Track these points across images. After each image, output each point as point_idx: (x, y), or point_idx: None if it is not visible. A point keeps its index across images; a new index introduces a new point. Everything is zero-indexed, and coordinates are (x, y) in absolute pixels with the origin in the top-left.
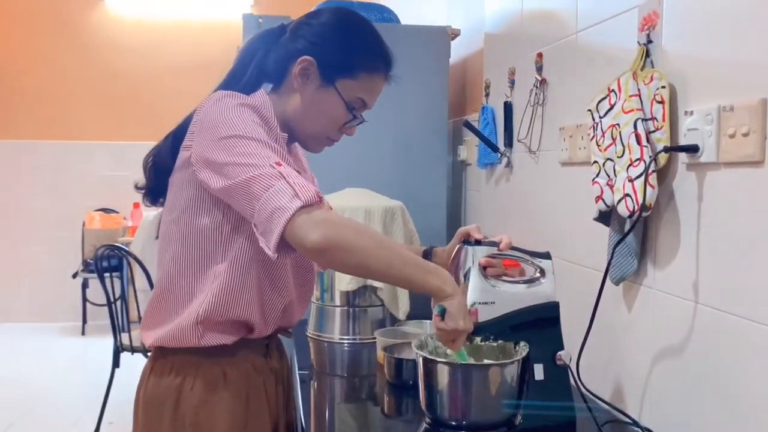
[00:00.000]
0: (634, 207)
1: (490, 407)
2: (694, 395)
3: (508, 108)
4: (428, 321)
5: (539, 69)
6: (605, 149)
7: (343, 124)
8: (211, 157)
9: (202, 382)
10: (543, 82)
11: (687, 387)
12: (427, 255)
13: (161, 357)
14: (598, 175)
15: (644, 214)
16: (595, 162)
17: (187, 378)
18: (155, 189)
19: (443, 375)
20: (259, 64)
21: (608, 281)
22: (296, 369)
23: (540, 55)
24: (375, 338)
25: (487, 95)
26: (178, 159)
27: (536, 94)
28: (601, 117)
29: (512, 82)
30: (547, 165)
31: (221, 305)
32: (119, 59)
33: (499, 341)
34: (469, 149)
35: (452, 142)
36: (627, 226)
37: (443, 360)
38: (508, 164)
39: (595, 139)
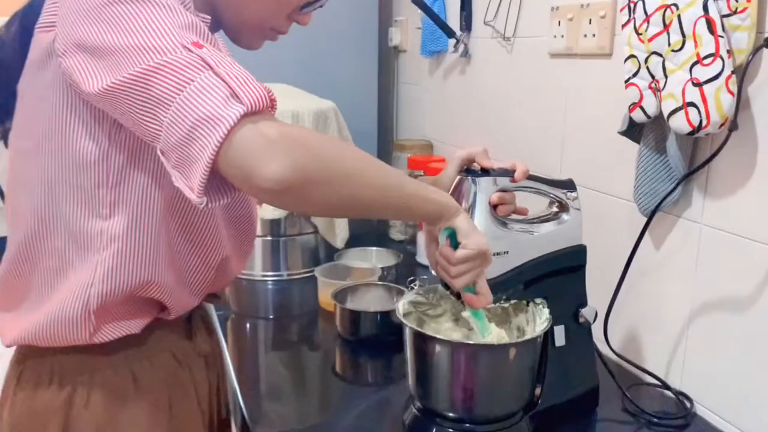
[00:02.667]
0: (701, 120)
1: (507, 395)
2: (747, 360)
3: None
4: (373, 249)
5: None
6: (650, 39)
7: (298, 6)
8: (84, 35)
9: (101, 394)
10: None
11: (737, 349)
12: None
13: (32, 359)
14: (636, 75)
15: (712, 131)
16: (632, 57)
17: (78, 389)
18: None
19: (447, 358)
20: None
21: (633, 210)
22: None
23: None
24: (307, 273)
25: None
26: (32, 49)
27: None
28: None
29: None
30: (528, 56)
31: (120, 283)
32: None
33: (512, 301)
34: (404, 32)
35: (380, 23)
36: (675, 145)
37: (448, 338)
38: (466, 53)
39: (632, 25)
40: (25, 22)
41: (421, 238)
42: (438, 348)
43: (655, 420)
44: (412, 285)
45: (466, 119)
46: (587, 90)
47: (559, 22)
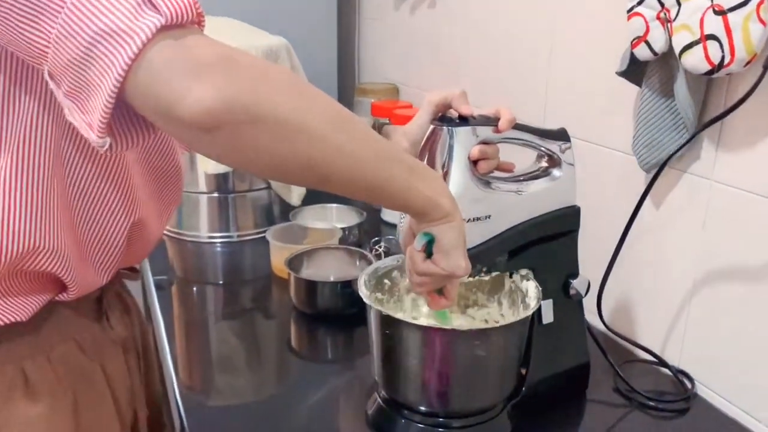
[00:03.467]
0: (723, 57)
1: (487, 386)
2: (757, 336)
3: None
4: (333, 206)
5: None
6: None
7: None
8: None
9: None
10: None
11: (746, 323)
12: None
13: None
14: (641, 2)
15: (735, 70)
16: None
17: None
18: None
19: (419, 346)
20: None
21: (633, 165)
22: (158, 316)
23: None
24: (260, 234)
25: None
26: None
27: None
28: None
29: None
30: None
31: (0, 247)
32: None
33: (493, 273)
34: None
35: None
36: (685, 88)
37: (420, 323)
38: None
39: None
40: None
41: None
42: (408, 333)
43: (652, 403)
44: (376, 247)
45: (436, 59)
46: (577, 22)
47: None
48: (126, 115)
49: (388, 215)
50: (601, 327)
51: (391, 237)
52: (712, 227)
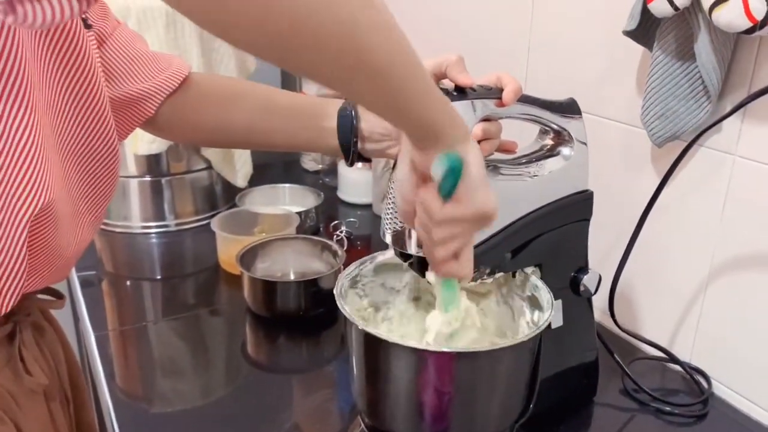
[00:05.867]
0: (766, 13)
1: (489, 414)
2: None
3: None
4: (285, 186)
5: None
6: None
7: None
8: None
9: None
10: None
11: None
12: (347, 118)
13: None
14: None
15: None
16: None
17: None
18: None
19: (410, 370)
20: None
21: (642, 137)
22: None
23: None
24: (202, 221)
25: None
26: None
27: None
28: None
29: None
30: None
31: None
32: None
33: (497, 275)
34: None
35: None
36: (709, 48)
37: (413, 344)
38: None
39: None
40: None
41: (346, 168)
42: (397, 356)
43: (667, 408)
44: (337, 233)
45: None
46: None
47: None
48: None
49: (346, 194)
50: (607, 323)
51: (352, 219)
52: (733, 208)
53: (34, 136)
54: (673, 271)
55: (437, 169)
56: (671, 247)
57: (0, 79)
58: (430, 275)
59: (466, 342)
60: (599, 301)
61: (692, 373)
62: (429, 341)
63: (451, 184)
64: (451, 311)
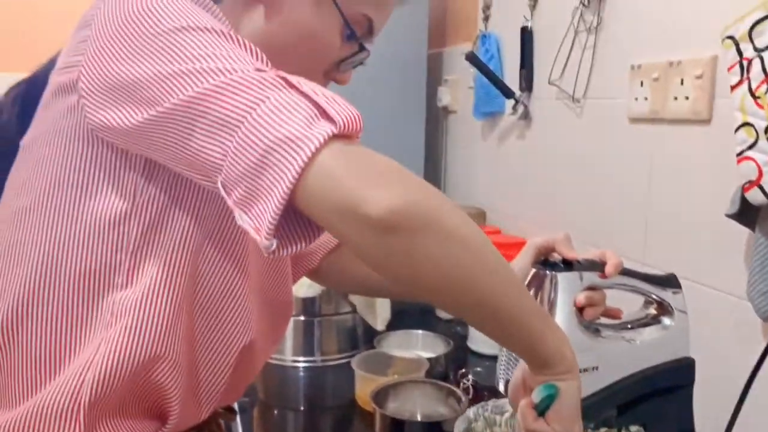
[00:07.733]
0: None
1: None
2: None
3: (527, 36)
4: (419, 332)
5: None
6: None
7: (336, 61)
8: (125, 71)
9: None
10: None
11: None
12: None
13: None
14: (753, 146)
15: None
16: (748, 125)
17: None
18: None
19: None
20: None
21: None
22: None
23: None
24: (343, 359)
25: (486, 18)
26: (46, 93)
27: (583, 14)
28: (760, 50)
29: (534, 0)
30: (602, 119)
31: (124, 362)
32: None
33: (602, 429)
34: (454, 92)
35: (428, 81)
36: None
37: None
38: (525, 115)
39: (746, 86)
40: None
41: None
42: None
43: None
44: (464, 381)
45: (525, 187)
46: (678, 161)
47: (642, 82)
48: (291, 219)
49: (475, 344)
50: None
51: (479, 369)
52: None
53: (245, 294)
54: None
55: (536, 395)
56: None
57: (235, 259)
58: None
59: None
60: None
61: None
62: None
63: (542, 408)
64: None
